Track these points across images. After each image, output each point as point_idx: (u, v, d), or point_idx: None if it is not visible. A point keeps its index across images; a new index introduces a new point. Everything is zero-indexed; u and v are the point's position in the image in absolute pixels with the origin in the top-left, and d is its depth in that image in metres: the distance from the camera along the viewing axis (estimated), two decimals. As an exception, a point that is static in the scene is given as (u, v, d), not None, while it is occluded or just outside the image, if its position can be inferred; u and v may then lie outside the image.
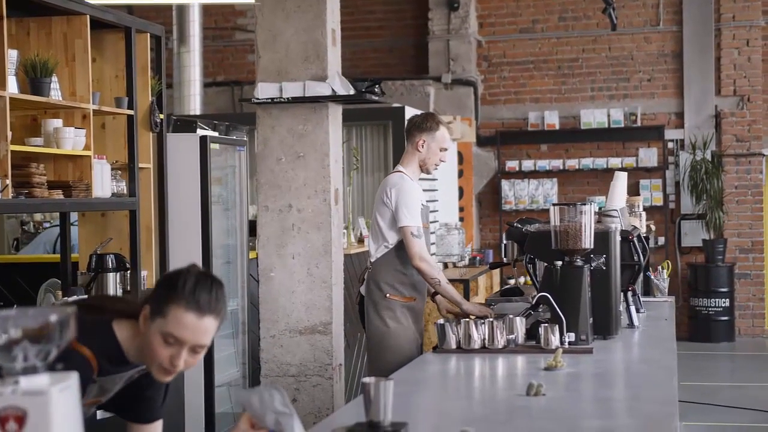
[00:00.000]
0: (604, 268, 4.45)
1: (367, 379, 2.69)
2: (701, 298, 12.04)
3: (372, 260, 5.24)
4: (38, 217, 8.32)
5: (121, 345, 2.64)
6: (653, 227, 11.22)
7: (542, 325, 4.17)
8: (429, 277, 5.05)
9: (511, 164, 12.72)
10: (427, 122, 5.22)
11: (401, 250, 5.10)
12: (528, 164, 12.67)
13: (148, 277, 5.80)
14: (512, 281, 10.43)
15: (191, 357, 2.58)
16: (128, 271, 5.53)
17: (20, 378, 1.74)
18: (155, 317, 2.56)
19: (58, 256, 5.77)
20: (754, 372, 10.49)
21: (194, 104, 10.79)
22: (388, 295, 5.13)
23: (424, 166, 5.22)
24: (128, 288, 5.55)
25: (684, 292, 12.38)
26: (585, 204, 4.36)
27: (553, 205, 4.41)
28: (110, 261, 5.35)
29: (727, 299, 12.02)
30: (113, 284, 5.33)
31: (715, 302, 11.99)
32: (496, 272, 10.73)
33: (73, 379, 1.77)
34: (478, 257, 10.55)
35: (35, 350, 1.75)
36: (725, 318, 12.04)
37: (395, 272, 5.14)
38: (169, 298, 2.54)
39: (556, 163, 12.60)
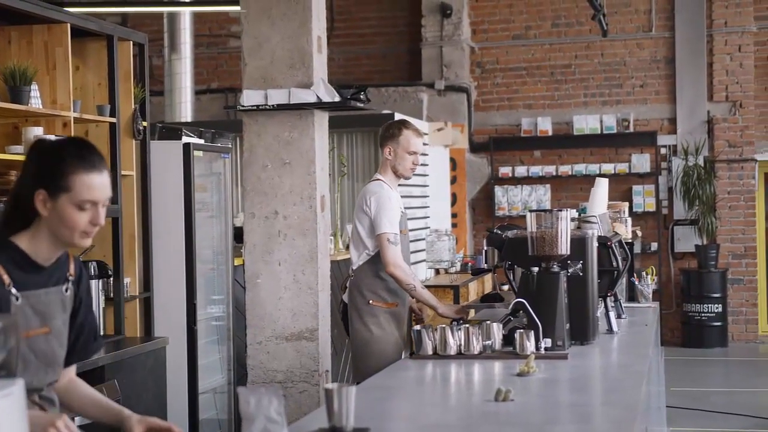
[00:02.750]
0: (581, 274, 4.47)
1: (329, 386, 2.72)
2: (694, 303, 12.04)
3: (354, 267, 5.32)
4: None
5: (25, 252, 2.68)
6: (639, 233, 11.22)
7: (518, 331, 4.18)
8: (404, 284, 5.11)
9: (504, 170, 12.74)
10: (389, 130, 5.34)
11: None
12: (521, 170, 12.68)
13: (131, 284, 5.81)
14: (506, 287, 10.42)
15: (102, 213, 2.72)
16: (111, 278, 5.54)
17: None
18: (59, 194, 2.64)
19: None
20: (746, 377, 10.49)
21: (185, 111, 10.82)
22: (371, 301, 5.20)
23: (398, 173, 5.29)
24: (111, 295, 5.56)
25: (677, 298, 12.39)
26: (561, 210, 4.37)
27: (530, 211, 4.42)
28: (93, 268, 5.36)
29: (720, 305, 12.02)
30: (96, 291, 5.34)
31: (708, 308, 12.00)
32: (488, 278, 10.74)
33: (17, 386, 1.79)
34: (470, 263, 10.56)
35: (-22, 357, 1.76)
36: (718, 323, 12.04)
37: (377, 279, 5.21)
38: (66, 171, 2.63)
39: (549, 169, 12.62)
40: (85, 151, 2.69)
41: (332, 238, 8.05)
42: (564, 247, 4.33)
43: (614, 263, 4.94)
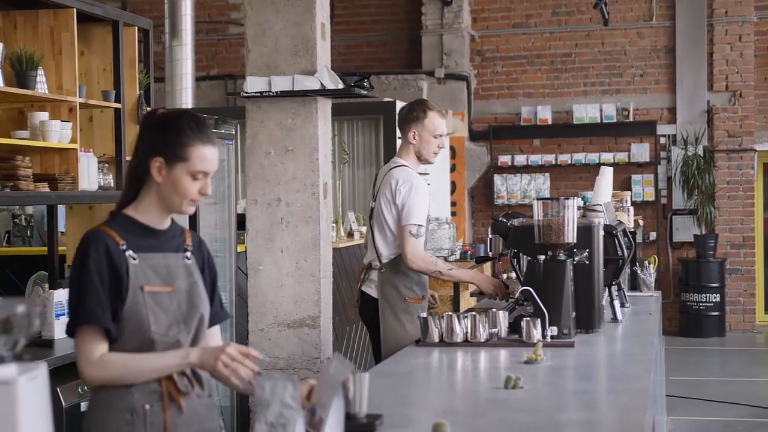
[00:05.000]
0: (587, 262, 4.47)
1: (342, 372, 2.71)
2: (692, 293, 12.07)
3: (384, 261, 5.09)
4: (30, 209, 8.33)
5: (134, 218, 2.85)
6: (641, 222, 11.25)
7: (524, 319, 4.19)
8: (430, 274, 5.01)
9: (504, 159, 12.75)
10: (413, 112, 5.12)
11: None
12: (520, 159, 12.69)
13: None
14: (505, 276, 10.42)
15: (210, 184, 2.89)
16: (115, 264, 5.53)
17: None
18: (175, 163, 2.81)
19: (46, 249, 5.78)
20: (743, 367, 10.53)
21: (186, 98, 10.74)
22: (407, 298, 5.05)
23: (422, 157, 5.12)
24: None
25: (675, 287, 12.42)
26: (568, 199, 4.38)
27: (537, 199, 4.42)
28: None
29: (718, 294, 12.05)
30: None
31: (706, 297, 12.03)
32: (487, 266, 10.76)
33: (41, 369, 1.79)
34: (469, 251, 10.56)
35: (2, 340, 1.76)
36: (716, 313, 12.07)
37: (412, 273, 5.05)
38: (185, 143, 2.81)
39: (549, 158, 12.63)
40: (202, 125, 2.86)
41: (334, 225, 8.05)
42: (571, 236, 4.34)
43: (619, 252, 4.94)
